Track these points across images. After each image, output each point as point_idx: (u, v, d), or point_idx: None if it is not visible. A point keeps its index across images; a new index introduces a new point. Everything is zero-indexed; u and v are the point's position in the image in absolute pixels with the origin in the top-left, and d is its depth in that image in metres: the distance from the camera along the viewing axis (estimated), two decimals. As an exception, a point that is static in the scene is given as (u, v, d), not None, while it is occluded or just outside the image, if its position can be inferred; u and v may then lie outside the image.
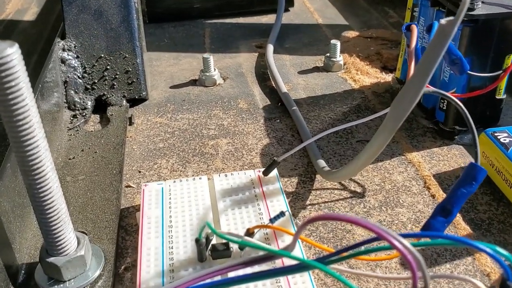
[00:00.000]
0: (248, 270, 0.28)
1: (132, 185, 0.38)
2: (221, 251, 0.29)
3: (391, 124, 0.28)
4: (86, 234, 0.33)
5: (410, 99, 0.25)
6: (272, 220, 0.29)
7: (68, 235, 0.29)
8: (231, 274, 0.28)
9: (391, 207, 0.35)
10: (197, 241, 0.28)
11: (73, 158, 0.41)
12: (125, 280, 0.31)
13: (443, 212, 0.27)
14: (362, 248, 0.24)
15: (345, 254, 0.24)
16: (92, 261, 0.31)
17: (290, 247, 0.25)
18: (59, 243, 0.29)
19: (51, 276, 0.30)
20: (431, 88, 0.32)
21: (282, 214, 0.29)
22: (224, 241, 0.30)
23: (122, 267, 0.31)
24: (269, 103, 0.48)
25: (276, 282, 0.28)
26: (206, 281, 0.26)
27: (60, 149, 0.42)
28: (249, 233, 0.29)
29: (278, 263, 0.29)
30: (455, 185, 0.27)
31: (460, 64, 0.34)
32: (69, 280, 0.29)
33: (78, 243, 0.30)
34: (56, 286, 0.29)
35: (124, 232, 0.34)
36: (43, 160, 0.25)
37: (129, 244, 0.33)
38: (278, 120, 0.45)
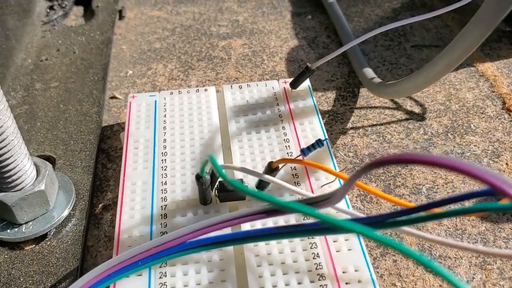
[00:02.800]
0: (270, 222, 0.20)
1: (119, 96, 0.30)
2: (232, 192, 0.21)
3: (493, 6, 0.18)
4: (54, 161, 0.25)
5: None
6: (304, 151, 0.21)
7: (21, 162, 0.21)
8: (246, 226, 0.20)
9: (460, 134, 0.26)
10: (199, 178, 0.20)
11: (46, 59, 0.32)
12: (103, 223, 0.23)
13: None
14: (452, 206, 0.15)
15: (432, 211, 0.15)
16: (58, 197, 0.23)
17: (336, 198, 0.17)
18: (8, 174, 0.21)
19: (2, 217, 0.22)
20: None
21: (318, 143, 0.21)
22: (236, 178, 0.22)
23: (100, 205, 0.24)
24: (297, -6, 0.38)
25: (308, 238, 0.20)
26: (210, 235, 0.19)
27: (31, 48, 0.33)
28: (272, 168, 0.21)
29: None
30: None
31: None
32: (26, 223, 0.22)
33: (38, 173, 0.22)
34: (8, 231, 0.22)
35: (106, 158, 0.26)
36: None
37: (111, 174, 0.25)
38: (310, 17, 0.35)
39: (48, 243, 0.22)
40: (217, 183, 0.21)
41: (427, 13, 0.26)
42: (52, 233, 0.22)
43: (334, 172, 0.20)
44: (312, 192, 0.21)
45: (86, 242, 0.22)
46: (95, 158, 0.25)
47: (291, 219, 0.20)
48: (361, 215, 0.18)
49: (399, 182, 0.24)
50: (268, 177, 0.19)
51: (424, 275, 0.20)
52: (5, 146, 0.20)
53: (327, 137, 0.23)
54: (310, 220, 0.20)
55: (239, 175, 0.22)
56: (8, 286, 0.20)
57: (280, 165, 0.21)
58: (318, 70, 0.30)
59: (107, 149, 0.26)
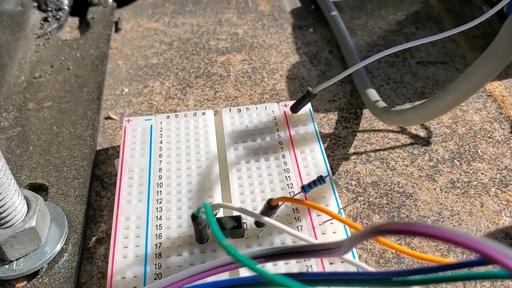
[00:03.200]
0: (269, 266, 0.19)
1: (114, 117, 0.29)
2: (230, 230, 0.20)
3: (507, 42, 0.17)
4: (47, 189, 0.24)
5: None
6: (305, 188, 0.20)
7: (11, 199, 0.20)
8: (244, 272, 0.19)
9: (466, 160, 0.25)
10: (195, 218, 0.19)
11: (40, 76, 0.31)
12: (96, 258, 0.22)
13: None
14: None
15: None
16: (51, 230, 0.22)
17: (342, 250, 0.16)
18: (-4, 211, 0.20)
19: (-9, 254, 0.21)
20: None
21: (320, 180, 0.20)
22: (234, 213, 0.21)
23: (94, 238, 0.23)
24: (299, 5, 0.37)
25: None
26: (206, 280, 0.18)
27: (24, 64, 0.32)
28: (271, 206, 0.20)
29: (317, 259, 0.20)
30: None
31: None
32: (17, 259, 0.21)
33: (28, 208, 0.21)
34: (-1, 268, 0.21)
35: (100, 185, 0.25)
36: None
37: (105, 203, 0.24)
38: (312, 30, 0.34)
39: (40, 280, 0.21)
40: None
41: (438, 34, 0.24)
42: (44, 269, 0.21)
43: (337, 216, 0.19)
44: (314, 231, 0.20)
45: (79, 279, 0.21)
46: (89, 186, 0.24)
47: (292, 264, 0.19)
48: (369, 268, 0.17)
49: (404, 214, 0.23)
50: (267, 219, 0.19)
51: (429, 318, 0.19)
52: (-7, 183, 0.19)
53: (329, 169, 0.22)
54: (314, 270, 0.19)
55: (237, 205, 0.21)
56: (-3, 330, 0.19)
57: (280, 203, 0.20)
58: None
59: (101, 175, 0.25)
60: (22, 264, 0.21)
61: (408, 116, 0.23)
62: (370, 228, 0.13)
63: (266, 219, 0.18)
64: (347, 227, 0.21)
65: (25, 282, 0.21)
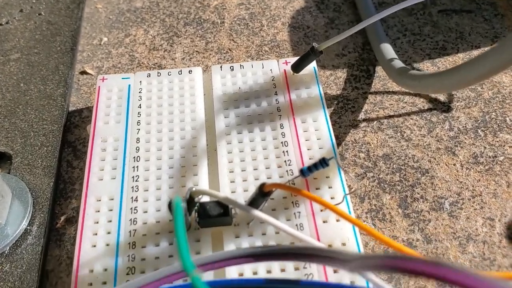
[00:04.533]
0: (261, 270, 0.17)
1: (90, 71, 0.25)
2: (215, 217, 0.17)
3: None
4: (11, 158, 0.21)
5: None
6: (304, 172, 0.17)
7: (-41, 178, 0.17)
8: (232, 271, 0.16)
9: (492, 130, 0.22)
10: (172, 207, 0.16)
11: (7, 23, 0.27)
12: (65, 240, 0.19)
13: None
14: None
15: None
16: (12, 209, 0.19)
17: (346, 266, 0.13)
18: None
19: None
20: None
21: (322, 163, 0.16)
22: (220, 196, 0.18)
23: (63, 217, 0.20)
24: None
25: None
26: (187, 281, 0.15)
27: (-11, 6, 0.28)
28: (263, 192, 0.17)
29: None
30: None
31: None
32: (-27, 243, 0.18)
33: (-17, 186, 0.18)
34: (-47, 253, 0.18)
35: (72, 154, 0.22)
36: None
37: (77, 175, 0.21)
38: (319, -30, 0.30)
39: (0, 268, 0.18)
40: (197, 205, 0.17)
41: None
42: (5, 254, 0.19)
43: (345, 214, 0.16)
44: (314, 218, 0.17)
45: (45, 266, 0.19)
46: (58, 155, 0.21)
47: (289, 266, 0.16)
48: (384, 284, 0.14)
49: (418, 194, 0.20)
50: (258, 214, 0.16)
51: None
52: None
53: (335, 144, 0.19)
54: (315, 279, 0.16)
55: (225, 184, 0.18)
56: None
57: (274, 189, 0.17)
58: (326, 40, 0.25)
59: (74, 142, 0.22)
60: (-21, 249, 0.18)
61: (428, 82, 0.19)
62: (390, 258, 0.10)
63: (257, 213, 0.16)
64: (352, 210, 0.18)
65: (-16, 269, 0.18)
